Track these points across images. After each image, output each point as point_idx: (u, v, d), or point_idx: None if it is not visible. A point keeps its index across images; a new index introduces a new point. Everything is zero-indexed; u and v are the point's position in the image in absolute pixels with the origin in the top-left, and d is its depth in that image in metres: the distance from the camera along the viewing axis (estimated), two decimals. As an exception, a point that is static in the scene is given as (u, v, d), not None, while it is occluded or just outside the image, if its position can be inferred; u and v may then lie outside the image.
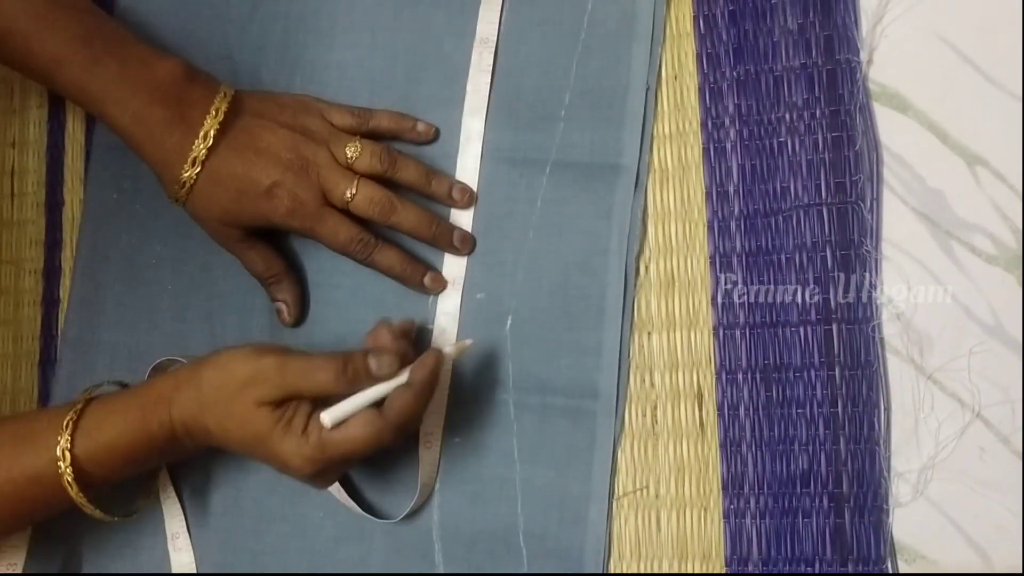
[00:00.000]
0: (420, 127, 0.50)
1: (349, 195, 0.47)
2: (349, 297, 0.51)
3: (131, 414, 0.44)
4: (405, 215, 0.48)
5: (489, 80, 0.50)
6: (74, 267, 0.56)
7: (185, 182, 0.47)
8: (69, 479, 0.43)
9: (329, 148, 0.48)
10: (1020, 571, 0.42)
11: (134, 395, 0.46)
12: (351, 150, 0.48)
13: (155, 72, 0.47)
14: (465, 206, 0.50)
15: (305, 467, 0.43)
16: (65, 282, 0.56)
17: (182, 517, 0.51)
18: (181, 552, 0.51)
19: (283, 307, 0.50)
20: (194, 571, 0.51)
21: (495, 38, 0.51)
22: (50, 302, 0.57)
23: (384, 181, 0.48)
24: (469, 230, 0.50)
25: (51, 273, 0.57)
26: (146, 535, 0.52)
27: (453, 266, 0.50)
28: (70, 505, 0.45)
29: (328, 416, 0.42)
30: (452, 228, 0.49)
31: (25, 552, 0.50)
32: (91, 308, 0.55)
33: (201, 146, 0.46)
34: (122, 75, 0.46)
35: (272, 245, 0.50)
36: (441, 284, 0.49)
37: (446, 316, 0.49)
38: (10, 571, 0.50)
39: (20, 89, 0.59)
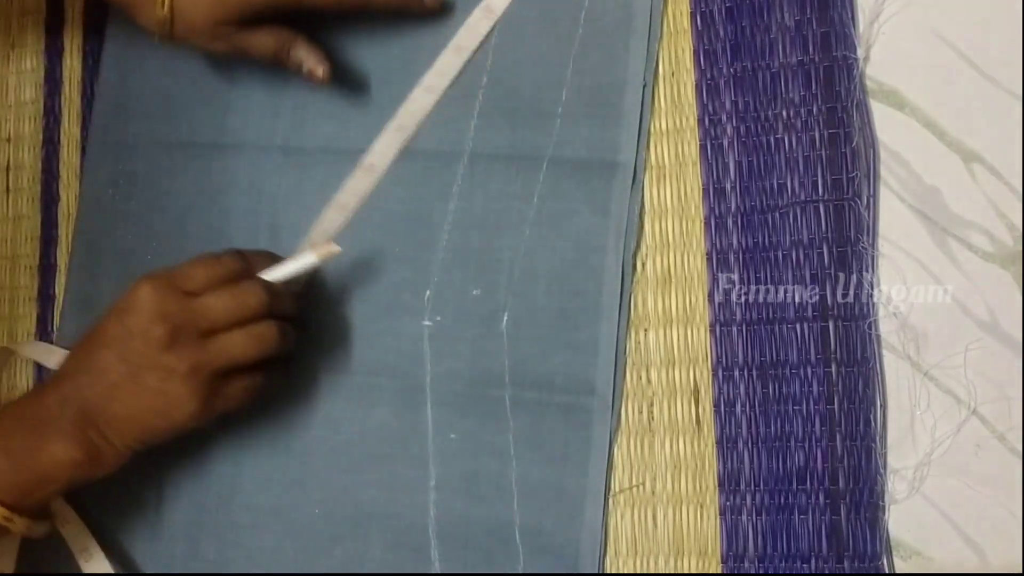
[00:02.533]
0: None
1: None
2: (345, 295, 0.51)
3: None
4: None
5: (461, 63, 0.50)
6: (69, 264, 0.56)
7: (164, 1, 0.45)
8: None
9: None
10: (1015, 568, 0.43)
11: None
12: None
13: None
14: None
15: (158, 315, 0.42)
16: (60, 279, 0.56)
17: (88, 532, 0.50)
18: (93, 562, 0.50)
19: (311, 64, 0.48)
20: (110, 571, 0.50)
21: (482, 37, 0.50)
22: (45, 299, 0.57)
23: None
24: None
25: (46, 270, 0.57)
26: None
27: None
28: None
29: None
30: None
31: None
32: (87, 305, 0.54)
33: None
34: None
35: (272, 23, 0.48)
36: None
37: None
38: None
39: (16, 84, 0.59)
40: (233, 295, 0.44)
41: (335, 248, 0.47)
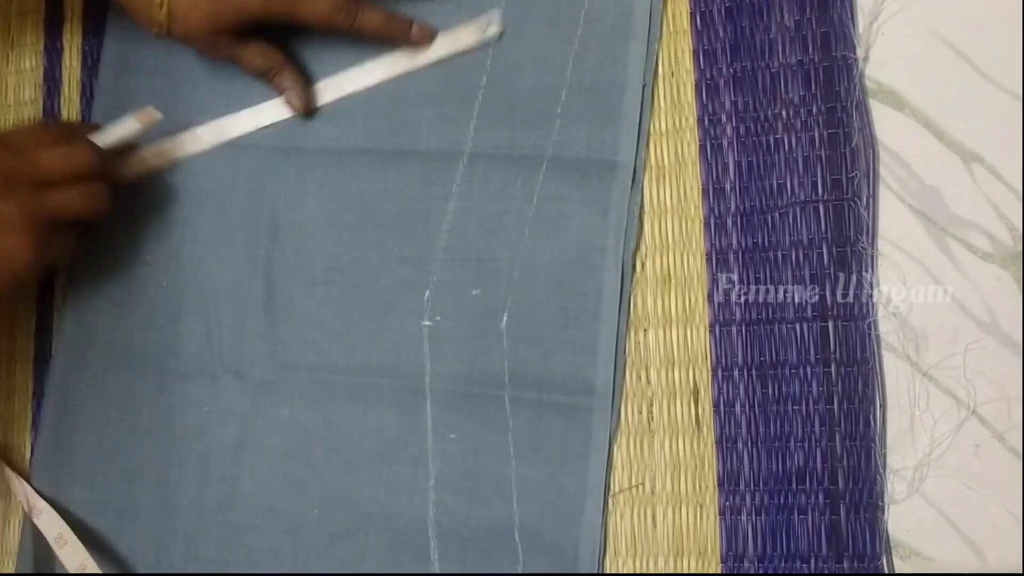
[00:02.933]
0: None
1: None
2: (344, 295, 0.51)
3: None
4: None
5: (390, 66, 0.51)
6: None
7: (162, 3, 0.47)
8: None
9: None
10: (1015, 568, 0.43)
11: None
12: None
13: None
14: None
15: None
16: (60, 278, 0.56)
17: (60, 519, 0.51)
18: (67, 547, 0.50)
19: (291, 95, 0.51)
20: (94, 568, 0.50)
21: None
22: (44, 299, 0.57)
23: None
24: None
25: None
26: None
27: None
28: None
29: None
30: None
31: None
32: (86, 305, 0.54)
33: None
34: None
35: (266, 39, 0.50)
36: (428, 34, 0.50)
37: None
38: None
39: (15, 83, 0.59)
40: (64, 152, 0.47)
41: (156, 115, 0.50)
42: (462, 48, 0.50)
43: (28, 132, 0.48)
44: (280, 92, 0.51)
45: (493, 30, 0.49)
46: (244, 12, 0.48)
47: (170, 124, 0.54)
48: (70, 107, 0.57)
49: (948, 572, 0.43)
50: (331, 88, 0.52)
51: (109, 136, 0.50)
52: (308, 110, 0.51)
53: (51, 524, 0.51)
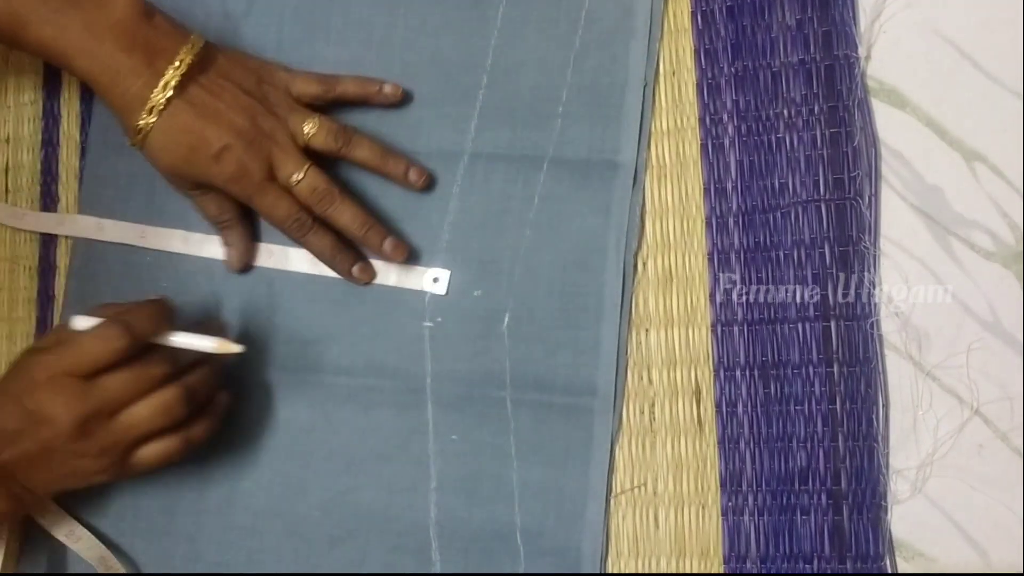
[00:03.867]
0: (387, 88, 0.50)
1: (295, 179, 0.47)
2: (345, 297, 0.51)
3: None
4: (341, 210, 0.48)
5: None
6: (69, 265, 0.55)
7: (141, 129, 0.47)
8: None
9: (287, 124, 0.48)
10: (1018, 568, 0.42)
11: None
12: (308, 126, 0.48)
13: (113, 14, 0.46)
14: (422, 188, 0.49)
15: (64, 413, 0.42)
16: (60, 280, 0.56)
17: (67, 515, 0.51)
18: (81, 541, 0.51)
19: (231, 252, 0.51)
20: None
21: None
22: (45, 300, 0.56)
23: (337, 161, 0.49)
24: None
25: (46, 271, 0.57)
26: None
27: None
28: None
29: (80, 319, 0.44)
30: (385, 234, 0.49)
31: None
32: (86, 307, 0.54)
33: (160, 96, 0.46)
34: (85, 24, 0.46)
35: (224, 193, 0.50)
36: (369, 275, 0.50)
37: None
38: None
39: (15, 85, 0.59)
40: (132, 370, 0.43)
41: (237, 348, 0.46)
42: (405, 286, 0.50)
43: (87, 351, 0.43)
44: (223, 245, 0.51)
45: (439, 288, 0.49)
46: (207, 178, 0.48)
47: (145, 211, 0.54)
48: (70, 108, 0.57)
49: (951, 572, 0.43)
50: (275, 257, 0.52)
51: (183, 340, 0.45)
52: (241, 270, 0.52)
53: (59, 522, 0.50)
